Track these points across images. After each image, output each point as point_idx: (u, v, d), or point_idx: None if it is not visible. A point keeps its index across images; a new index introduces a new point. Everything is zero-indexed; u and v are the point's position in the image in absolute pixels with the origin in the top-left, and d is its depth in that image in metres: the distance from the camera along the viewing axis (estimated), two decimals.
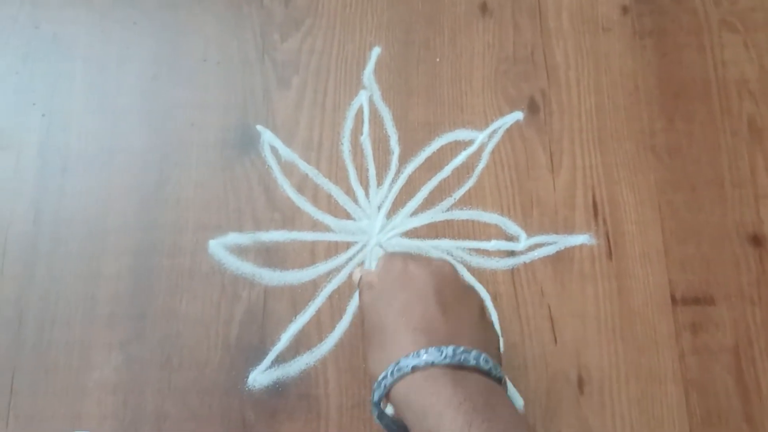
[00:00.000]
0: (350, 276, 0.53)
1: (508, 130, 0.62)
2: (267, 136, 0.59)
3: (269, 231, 0.57)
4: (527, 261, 0.58)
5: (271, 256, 0.56)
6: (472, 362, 0.40)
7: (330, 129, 0.60)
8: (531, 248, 0.58)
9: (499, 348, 0.46)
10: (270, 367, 0.53)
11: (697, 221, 0.61)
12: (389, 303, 0.43)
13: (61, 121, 0.58)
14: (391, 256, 0.47)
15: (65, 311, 0.53)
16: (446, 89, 0.63)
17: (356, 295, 0.55)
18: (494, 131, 0.61)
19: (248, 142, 0.59)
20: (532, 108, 0.62)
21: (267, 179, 0.58)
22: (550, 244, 0.59)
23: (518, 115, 0.62)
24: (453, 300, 0.44)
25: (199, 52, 0.62)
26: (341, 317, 0.55)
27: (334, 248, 0.57)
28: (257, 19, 0.63)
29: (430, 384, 0.38)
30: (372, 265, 0.56)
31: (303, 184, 0.58)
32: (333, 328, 0.55)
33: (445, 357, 0.39)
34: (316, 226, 0.57)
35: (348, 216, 0.58)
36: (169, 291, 0.54)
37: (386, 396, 0.40)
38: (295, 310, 0.55)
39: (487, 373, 0.40)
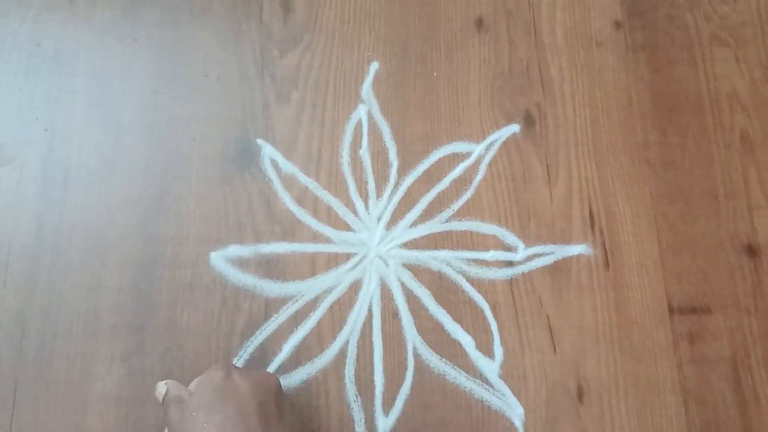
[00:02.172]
0: (155, 389, 0.46)
1: (505, 143, 0.62)
2: (267, 150, 0.60)
3: (270, 243, 0.57)
4: (525, 271, 0.58)
5: (271, 268, 0.56)
6: None
7: (329, 142, 0.61)
8: (529, 258, 0.59)
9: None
10: None
11: (693, 232, 0.61)
12: (207, 416, 0.41)
13: (63, 135, 0.59)
14: (212, 370, 0.45)
15: (67, 324, 0.53)
16: (443, 103, 0.63)
17: (357, 305, 0.56)
18: (491, 144, 0.62)
19: (248, 156, 0.60)
20: (528, 121, 0.63)
21: (267, 192, 0.59)
22: (548, 254, 0.59)
23: (515, 128, 0.63)
24: (276, 413, 0.43)
25: (200, 67, 0.62)
26: (342, 328, 0.55)
27: (334, 260, 0.57)
28: (256, 36, 0.64)
29: None
30: (372, 277, 0.57)
31: (303, 197, 0.59)
32: (334, 338, 0.55)
33: None
34: (316, 238, 0.58)
35: (348, 228, 0.58)
36: (171, 303, 0.55)
37: None
38: (296, 321, 0.55)
39: None
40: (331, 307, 0.56)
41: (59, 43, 0.62)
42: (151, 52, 0.62)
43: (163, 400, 0.44)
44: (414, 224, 0.59)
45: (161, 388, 0.45)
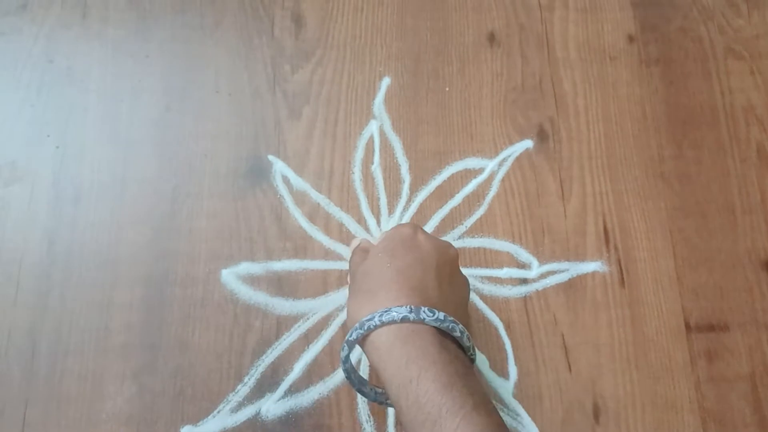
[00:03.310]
0: (350, 244, 0.53)
1: (518, 158, 0.62)
2: (279, 166, 0.60)
3: (281, 260, 0.57)
4: (539, 289, 0.58)
5: (283, 285, 0.56)
6: (458, 334, 0.42)
7: (341, 158, 0.61)
8: (543, 276, 0.58)
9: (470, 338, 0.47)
10: (283, 397, 0.53)
11: (709, 248, 0.61)
12: (390, 261, 0.44)
13: (74, 152, 0.59)
14: (400, 225, 0.49)
15: (78, 341, 0.53)
16: (456, 118, 0.63)
17: None
18: (504, 159, 0.62)
19: (260, 172, 0.59)
20: (542, 136, 0.63)
21: (279, 209, 0.58)
22: (563, 271, 0.58)
23: (528, 144, 0.62)
24: (450, 278, 0.46)
25: (211, 83, 0.62)
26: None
27: (346, 277, 0.57)
28: (268, 51, 0.64)
29: (416, 338, 0.40)
30: None
31: (315, 213, 0.59)
32: None
33: (437, 319, 0.41)
34: (328, 254, 0.57)
35: None
36: (182, 321, 0.54)
37: (362, 345, 0.43)
38: (308, 339, 0.55)
39: (464, 350, 0.43)
40: (343, 325, 0.55)
41: (71, 60, 0.62)
42: (163, 69, 0.62)
43: (352, 250, 0.50)
44: None
45: (355, 241, 0.52)
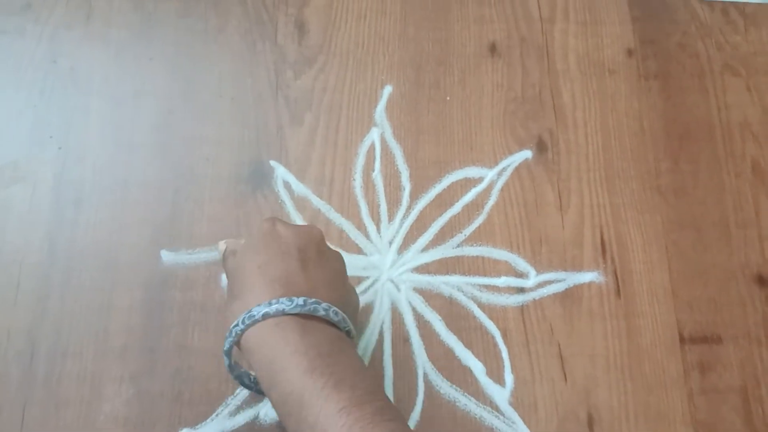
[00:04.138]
0: (217, 249, 0.52)
1: (517, 169, 0.63)
2: (280, 172, 0.60)
3: None
4: (537, 298, 0.58)
5: None
6: (322, 313, 0.42)
7: (342, 165, 0.61)
8: (540, 285, 0.59)
9: (356, 310, 0.48)
10: None
11: (704, 261, 0.61)
12: (251, 260, 0.44)
13: (76, 154, 0.59)
14: (261, 221, 0.48)
15: (77, 343, 0.53)
16: (456, 128, 0.64)
17: (368, 329, 0.56)
18: (503, 169, 0.62)
19: (261, 178, 0.60)
20: (541, 147, 0.64)
21: (280, 214, 0.59)
22: (559, 281, 0.59)
23: (527, 154, 0.63)
24: (316, 259, 0.45)
25: (214, 88, 0.63)
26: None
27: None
28: (271, 57, 0.64)
29: (279, 331, 0.40)
30: (383, 301, 0.57)
31: (315, 220, 0.59)
32: None
33: (296, 306, 0.41)
34: None
35: (359, 251, 0.58)
36: (181, 324, 0.54)
37: (238, 345, 0.42)
38: None
39: (336, 326, 0.43)
40: None
41: (75, 62, 0.62)
42: (166, 72, 0.63)
43: (223, 255, 0.49)
44: (426, 249, 0.59)
45: (221, 245, 0.50)
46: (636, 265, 0.60)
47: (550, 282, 0.59)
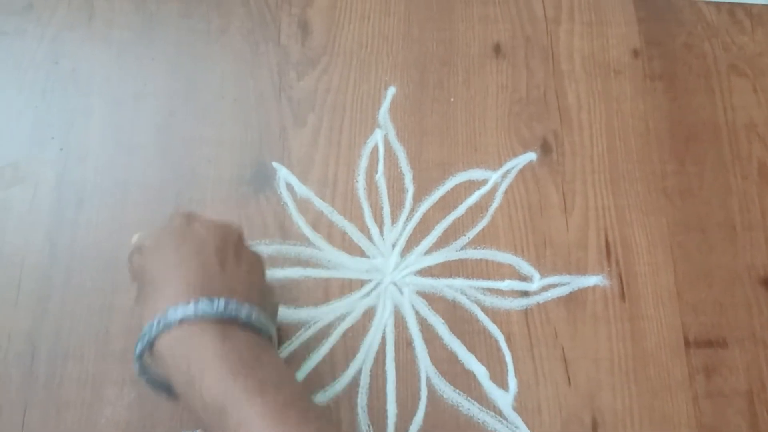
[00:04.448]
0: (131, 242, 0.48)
1: (522, 171, 0.62)
2: (283, 173, 0.60)
3: (284, 268, 0.57)
4: (540, 301, 0.58)
5: (285, 293, 0.56)
6: (243, 317, 0.39)
7: (345, 167, 0.61)
8: (544, 289, 0.58)
9: (275, 313, 0.46)
10: None
11: (709, 263, 0.61)
12: (164, 257, 0.41)
13: (78, 155, 0.59)
14: (172, 215, 0.45)
15: (78, 345, 0.53)
16: (460, 129, 0.63)
17: (371, 333, 0.55)
18: (507, 171, 0.62)
19: (264, 179, 0.59)
20: (545, 149, 0.63)
21: (282, 216, 0.58)
22: (564, 284, 0.59)
23: (531, 156, 0.63)
24: (234, 259, 0.42)
25: (216, 89, 0.62)
26: (355, 356, 0.55)
27: (348, 286, 0.57)
28: (274, 58, 0.64)
29: (197, 336, 0.37)
30: (386, 305, 0.56)
31: (318, 222, 0.59)
32: (346, 366, 0.54)
33: (217, 310, 0.38)
34: (330, 263, 0.57)
35: (362, 254, 0.58)
36: None
37: (150, 350, 0.39)
38: (309, 348, 0.55)
39: (257, 331, 0.40)
40: (344, 335, 0.55)
41: (76, 62, 0.62)
42: (168, 73, 0.62)
43: (130, 251, 0.45)
44: (429, 251, 0.59)
45: (134, 238, 0.47)
46: (641, 267, 0.60)
47: (554, 285, 0.59)
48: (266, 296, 0.45)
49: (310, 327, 0.55)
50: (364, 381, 0.54)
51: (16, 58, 0.61)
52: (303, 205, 0.59)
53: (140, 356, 0.39)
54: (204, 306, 0.38)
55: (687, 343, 0.58)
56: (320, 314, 0.56)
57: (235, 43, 0.64)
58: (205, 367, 0.36)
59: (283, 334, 0.55)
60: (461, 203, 0.60)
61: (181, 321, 0.37)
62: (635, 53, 0.68)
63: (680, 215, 0.62)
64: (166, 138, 0.60)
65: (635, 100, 0.66)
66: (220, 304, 0.38)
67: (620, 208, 0.62)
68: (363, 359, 0.55)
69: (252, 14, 0.65)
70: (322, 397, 0.53)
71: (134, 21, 0.64)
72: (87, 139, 0.59)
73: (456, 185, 0.61)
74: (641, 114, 0.65)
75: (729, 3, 0.71)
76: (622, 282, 0.59)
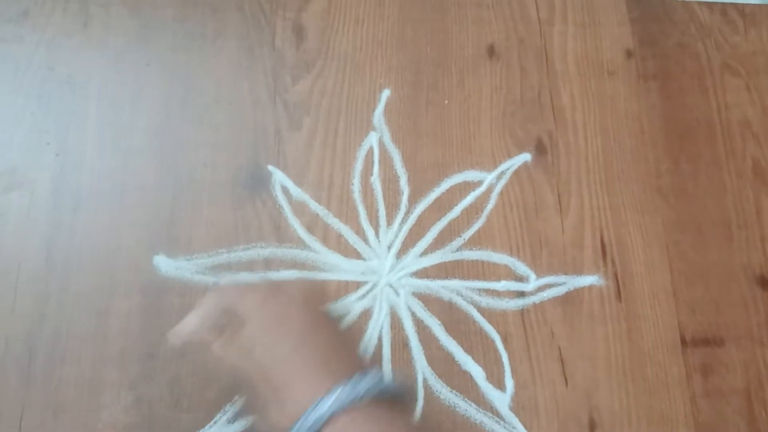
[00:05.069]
0: (168, 339, 0.43)
1: (517, 172, 0.62)
2: (278, 176, 0.60)
3: (279, 271, 0.57)
4: (537, 302, 0.58)
5: None
6: (391, 390, 0.38)
7: (340, 169, 0.61)
8: (540, 289, 0.58)
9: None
10: None
11: (705, 262, 0.61)
12: (273, 348, 0.38)
13: (74, 160, 0.59)
14: (237, 288, 0.41)
15: (75, 349, 0.53)
16: (455, 131, 0.63)
17: (367, 334, 0.55)
18: (503, 172, 0.62)
19: (259, 182, 0.59)
20: (540, 149, 0.63)
21: (278, 219, 0.58)
22: (560, 284, 0.59)
23: (526, 157, 0.63)
24: (332, 330, 0.41)
25: (212, 93, 0.62)
26: None
27: (344, 288, 0.57)
28: (269, 61, 0.64)
29: (360, 426, 0.36)
30: (382, 306, 0.56)
31: (313, 224, 0.59)
32: None
33: (357, 391, 0.36)
34: (325, 266, 0.57)
35: (358, 256, 0.58)
36: None
37: None
38: None
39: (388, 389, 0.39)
40: None
41: (72, 68, 0.62)
42: (164, 78, 0.63)
43: (191, 345, 0.41)
44: (425, 253, 0.59)
45: (175, 338, 0.42)
46: (637, 267, 0.60)
47: (550, 285, 0.59)
48: (347, 336, 0.44)
49: None
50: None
51: (12, 65, 0.61)
52: (298, 208, 0.59)
53: None
54: (344, 393, 0.36)
55: (684, 342, 0.58)
56: None
57: (230, 48, 0.64)
58: None
59: None
60: (456, 204, 0.60)
61: (330, 416, 0.35)
62: (629, 53, 0.68)
63: (675, 214, 0.62)
64: (162, 142, 0.60)
65: (629, 100, 0.66)
66: (357, 385, 0.36)
67: (615, 207, 0.62)
68: None
69: (247, 18, 0.65)
70: None
71: (129, 26, 0.64)
72: (83, 144, 0.59)
73: (451, 187, 0.61)
74: (635, 114, 0.66)
75: (721, 3, 0.71)
76: (618, 282, 0.59)
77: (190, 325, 0.41)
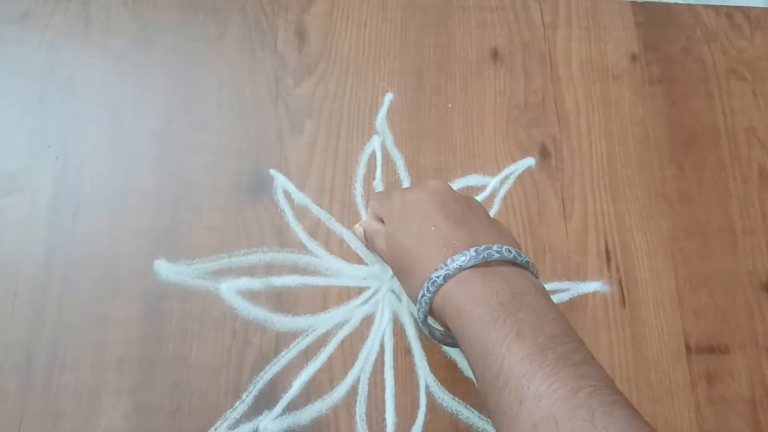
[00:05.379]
0: (354, 231, 0.56)
1: (520, 176, 0.62)
2: (280, 180, 0.59)
3: (281, 276, 0.56)
4: None
5: (282, 301, 0.56)
6: (496, 255, 0.42)
7: (343, 173, 0.60)
8: None
9: (515, 239, 0.47)
10: (281, 414, 0.52)
11: (710, 269, 0.60)
12: (403, 236, 0.46)
13: (74, 163, 0.58)
14: (382, 196, 0.51)
15: (75, 356, 0.52)
16: (458, 135, 0.63)
17: (369, 341, 0.55)
18: (506, 177, 0.62)
19: (261, 186, 0.59)
20: (544, 154, 0.63)
21: (279, 223, 0.58)
22: (563, 290, 0.58)
23: (530, 161, 0.62)
24: (459, 212, 0.46)
25: (213, 96, 0.62)
26: (353, 364, 0.54)
27: (346, 293, 0.56)
28: (271, 65, 0.63)
29: (461, 287, 0.41)
30: (384, 312, 0.56)
31: (315, 229, 0.58)
32: (345, 375, 0.54)
33: (470, 258, 0.41)
34: (328, 271, 0.57)
35: (360, 261, 0.58)
36: (180, 336, 0.54)
37: (430, 313, 0.44)
38: (307, 356, 0.54)
39: (513, 262, 0.43)
40: (342, 343, 0.55)
41: (73, 70, 0.61)
42: (165, 80, 0.62)
43: (366, 237, 0.53)
44: None
45: (359, 229, 0.55)
46: (641, 273, 0.60)
47: (554, 292, 0.58)
48: (500, 229, 0.47)
49: (307, 335, 0.55)
50: (363, 389, 0.54)
51: (13, 67, 0.61)
52: (300, 213, 0.59)
53: (425, 321, 0.44)
54: (458, 259, 0.41)
55: (688, 349, 0.58)
56: (318, 322, 0.55)
57: (231, 50, 0.64)
58: (470, 314, 0.40)
59: (281, 342, 0.54)
60: None
61: (445, 278, 0.41)
62: (633, 58, 0.67)
63: (680, 220, 0.62)
64: (164, 146, 0.60)
65: (634, 105, 0.66)
66: (471, 252, 0.41)
67: (620, 213, 0.61)
68: (361, 367, 0.54)
69: (249, 21, 0.65)
70: (320, 406, 0.53)
71: (131, 28, 0.63)
72: (84, 147, 0.59)
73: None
74: (640, 119, 0.65)
75: (727, 7, 0.71)
76: (622, 288, 0.59)
77: (360, 229, 0.54)
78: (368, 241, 0.52)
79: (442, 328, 0.47)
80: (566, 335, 0.38)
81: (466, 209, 0.46)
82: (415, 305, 0.44)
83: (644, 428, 0.34)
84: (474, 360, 0.39)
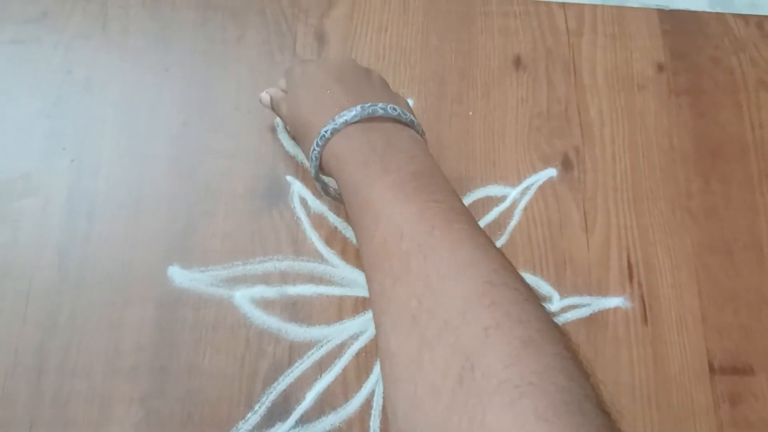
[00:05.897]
0: (260, 99, 0.57)
1: (541, 187, 0.60)
2: (297, 187, 0.58)
3: (296, 285, 0.55)
4: (560, 323, 0.56)
5: (297, 310, 0.55)
6: (380, 112, 0.45)
7: None
8: (564, 310, 0.57)
9: (408, 105, 0.51)
10: (294, 427, 0.51)
11: (735, 286, 0.59)
12: (302, 101, 0.49)
13: (90, 166, 0.58)
14: (288, 68, 0.54)
15: (87, 362, 0.52)
16: (479, 144, 0.62)
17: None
18: (527, 188, 0.60)
19: (277, 193, 0.58)
20: (566, 165, 0.61)
21: (295, 231, 0.57)
22: (584, 306, 0.57)
23: (552, 172, 0.61)
24: (355, 79, 0.49)
25: (231, 99, 0.61)
26: (368, 376, 0.53)
27: (362, 304, 0.55)
28: None
29: (344, 140, 0.45)
30: None
31: (332, 237, 0.57)
32: (359, 387, 0.53)
33: (356, 114, 0.45)
34: (344, 280, 0.56)
35: None
36: (193, 344, 0.53)
37: (321, 170, 0.48)
38: (321, 367, 0.53)
39: (397, 119, 0.46)
40: (357, 354, 0.54)
41: (90, 71, 0.61)
42: (183, 83, 0.61)
43: (271, 104, 0.56)
44: None
45: (264, 96, 0.56)
46: (664, 289, 0.58)
47: (574, 306, 0.57)
48: (394, 96, 0.51)
49: (322, 346, 0.54)
50: (377, 403, 0.53)
51: (30, 67, 0.60)
52: (317, 221, 0.58)
53: (317, 176, 0.49)
54: (345, 114, 0.45)
55: (712, 369, 0.56)
56: (333, 333, 0.54)
57: (250, 53, 0.63)
58: (346, 160, 0.44)
59: (294, 352, 0.53)
60: (479, 220, 0.59)
61: (333, 132, 0.45)
62: (660, 67, 0.66)
63: (705, 236, 0.60)
64: (180, 149, 0.59)
65: (659, 116, 0.64)
66: (356, 108, 0.45)
67: (643, 227, 0.60)
68: (376, 380, 0.53)
69: (268, 23, 0.64)
70: (334, 419, 0.52)
71: (149, 29, 0.63)
72: (99, 149, 0.58)
73: (474, 201, 0.59)
74: (665, 130, 0.64)
75: (757, 16, 0.69)
76: (644, 304, 0.57)
77: (266, 96, 0.56)
78: (274, 108, 0.55)
79: (336, 186, 0.50)
80: (429, 174, 0.42)
81: (363, 78, 0.50)
82: (316, 137, 0.47)
83: (479, 238, 0.38)
84: (348, 199, 0.43)
